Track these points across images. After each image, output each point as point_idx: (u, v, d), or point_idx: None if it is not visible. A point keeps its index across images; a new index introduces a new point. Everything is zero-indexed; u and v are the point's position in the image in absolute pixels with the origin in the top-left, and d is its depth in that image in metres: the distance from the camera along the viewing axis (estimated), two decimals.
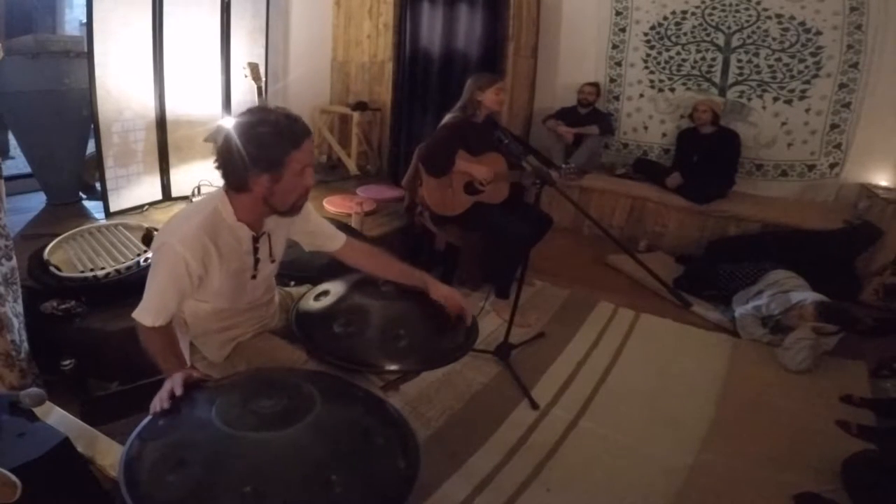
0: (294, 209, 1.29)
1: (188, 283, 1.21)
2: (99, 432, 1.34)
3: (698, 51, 3.92)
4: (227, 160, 1.21)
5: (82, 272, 2.02)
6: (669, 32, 4.00)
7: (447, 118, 2.68)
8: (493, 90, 2.57)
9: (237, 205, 1.25)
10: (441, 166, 2.60)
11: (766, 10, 3.65)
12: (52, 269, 2.01)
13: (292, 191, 1.23)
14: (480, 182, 2.58)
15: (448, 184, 2.66)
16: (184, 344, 1.37)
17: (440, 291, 1.42)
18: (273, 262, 1.41)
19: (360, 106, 4.22)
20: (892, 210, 3.06)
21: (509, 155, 2.58)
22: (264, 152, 1.17)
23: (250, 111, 1.24)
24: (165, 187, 3.20)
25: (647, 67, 4.14)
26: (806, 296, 2.55)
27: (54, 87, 2.85)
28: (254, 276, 1.35)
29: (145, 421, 0.99)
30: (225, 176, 1.24)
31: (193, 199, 3.13)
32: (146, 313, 1.20)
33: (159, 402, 1.02)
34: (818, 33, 3.53)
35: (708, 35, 3.87)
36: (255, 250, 1.32)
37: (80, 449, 1.20)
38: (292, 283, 1.77)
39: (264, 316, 1.45)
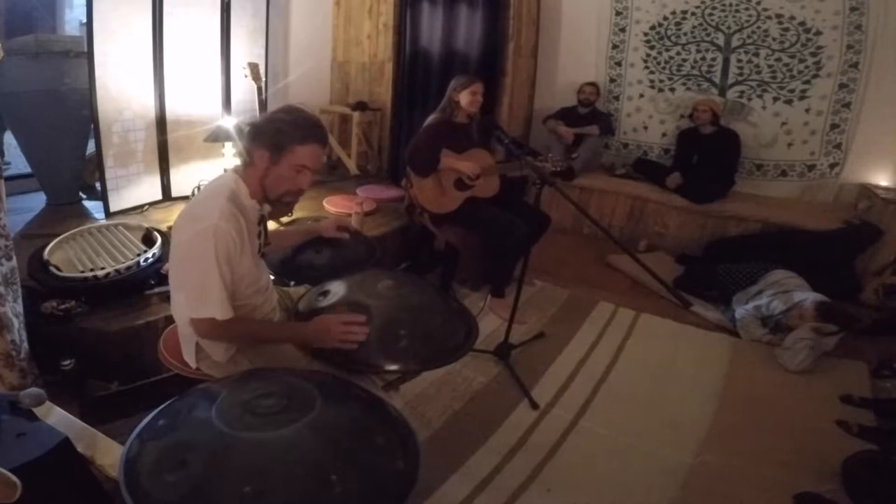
0: (282, 203, 1.36)
1: (236, 258, 1.24)
2: (99, 432, 1.34)
3: (698, 51, 3.92)
4: (246, 133, 1.32)
5: (82, 272, 2.02)
6: (669, 32, 4.00)
7: (429, 119, 2.75)
8: (467, 91, 2.66)
9: (248, 182, 1.32)
10: (426, 165, 2.67)
11: (766, 10, 3.65)
12: (52, 269, 2.01)
13: (284, 182, 1.31)
14: (469, 177, 2.62)
15: (438, 182, 2.71)
16: (190, 345, 1.37)
17: (329, 226, 1.70)
18: (268, 244, 1.50)
19: (360, 106, 4.22)
20: (892, 210, 3.06)
21: (508, 154, 2.60)
22: (272, 132, 1.28)
23: (287, 105, 1.35)
24: (165, 187, 3.20)
25: (647, 67, 4.14)
26: (806, 296, 2.56)
27: (54, 87, 2.84)
28: (263, 255, 1.46)
29: (145, 421, 0.99)
30: (241, 145, 1.35)
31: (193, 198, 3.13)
32: (222, 307, 1.21)
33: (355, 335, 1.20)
34: (818, 33, 3.53)
35: (708, 35, 3.87)
36: (260, 233, 1.41)
37: (80, 449, 1.20)
38: (292, 283, 1.77)
39: (266, 312, 1.46)
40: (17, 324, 1.69)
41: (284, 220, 2.60)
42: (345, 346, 1.23)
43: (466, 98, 2.65)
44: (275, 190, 1.32)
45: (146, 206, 3.08)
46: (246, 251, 1.29)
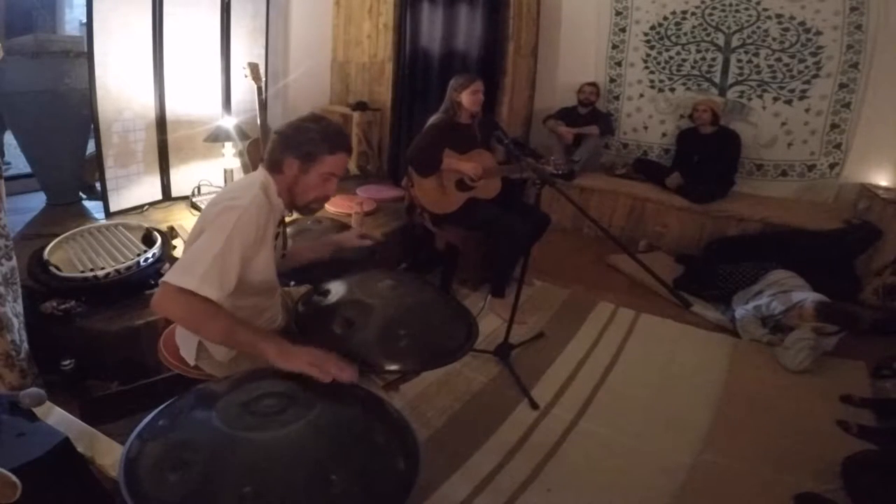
0: (308, 209, 1.40)
1: (251, 246, 1.22)
2: (99, 432, 1.34)
3: (698, 51, 3.92)
4: (273, 140, 1.34)
5: (82, 272, 2.02)
6: (669, 32, 4.00)
7: (431, 119, 2.74)
8: (468, 91, 2.64)
9: (277, 183, 1.34)
10: (428, 165, 2.66)
11: (766, 10, 3.65)
12: (52, 269, 2.01)
13: (313, 189, 1.35)
14: (470, 178, 2.61)
15: (439, 182, 2.71)
16: (192, 344, 1.37)
17: (347, 238, 1.63)
18: (285, 248, 1.51)
19: (360, 106, 4.22)
20: (892, 210, 3.06)
21: (509, 154, 2.60)
22: (303, 143, 1.31)
23: (312, 113, 1.40)
24: (165, 187, 3.20)
25: (647, 67, 4.14)
26: (806, 296, 2.56)
27: (54, 87, 2.85)
28: (283, 255, 1.46)
29: (145, 421, 0.99)
30: (267, 155, 1.35)
31: (194, 199, 3.13)
32: (210, 283, 1.10)
33: (346, 374, 1.07)
34: (818, 33, 3.53)
35: (708, 35, 3.87)
36: (277, 234, 1.41)
37: (80, 449, 1.20)
38: (292, 283, 1.77)
39: (273, 314, 1.46)
40: (17, 324, 1.69)
41: (286, 219, 2.60)
42: (312, 372, 1.08)
43: (468, 97, 2.64)
44: (303, 197, 1.36)
45: (146, 206, 3.08)
46: (266, 245, 1.30)
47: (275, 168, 1.33)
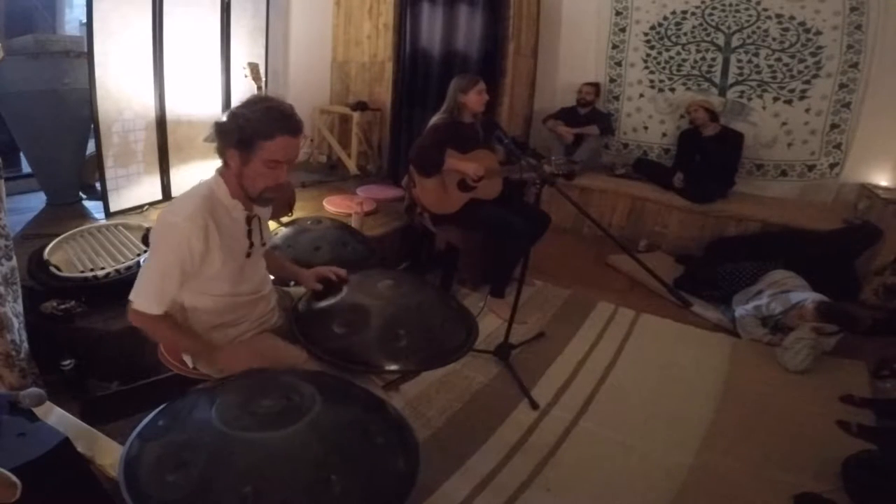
0: (262, 199, 1.31)
1: (190, 261, 1.21)
2: (99, 432, 1.34)
3: (698, 51, 3.92)
4: (216, 129, 1.27)
5: (82, 272, 2.02)
6: (669, 32, 4.00)
7: (434, 119, 2.72)
8: (474, 91, 2.62)
9: (229, 182, 1.29)
10: (431, 166, 2.64)
11: (766, 10, 3.65)
12: (52, 269, 2.01)
13: (260, 179, 1.26)
14: (472, 178, 2.61)
15: (441, 183, 2.69)
16: None
17: (309, 275, 1.53)
18: (263, 244, 1.44)
19: (360, 106, 4.22)
20: (892, 210, 3.06)
21: (509, 154, 2.59)
22: (237, 129, 1.21)
23: (252, 96, 1.28)
24: (165, 187, 3.20)
25: (647, 67, 4.14)
26: (806, 296, 2.56)
27: (54, 87, 2.84)
28: (248, 255, 1.36)
29: (145, 421, 0.99)
30: (217, 147, 1.29)
31: None
32: (148, 300, 1.22)
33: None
34: (818, 33, 3.53)
35: (708, 35, 3.87)
36: (249, 232, 1.36)
37: (80, 449, 1.20)
38: (292, 283, 1.77)
39: (263, 313, 1.45)
40: (17, 324, 1.69)
41: (284, 219, 2.60)
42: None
43: (475, 98, 2.61)
44: (253, 188, 1.27)
45: (146, 206, 3.08)
46: (214, 254, 1.24)
47: (224, 163, 1.29)
